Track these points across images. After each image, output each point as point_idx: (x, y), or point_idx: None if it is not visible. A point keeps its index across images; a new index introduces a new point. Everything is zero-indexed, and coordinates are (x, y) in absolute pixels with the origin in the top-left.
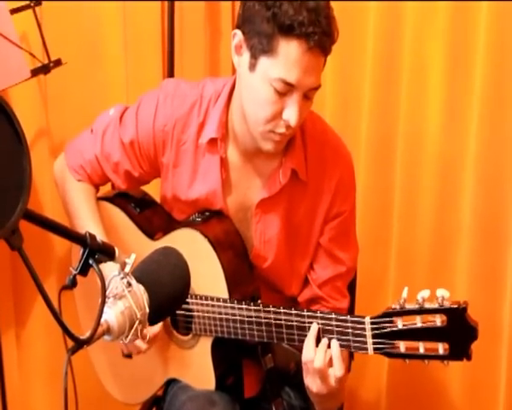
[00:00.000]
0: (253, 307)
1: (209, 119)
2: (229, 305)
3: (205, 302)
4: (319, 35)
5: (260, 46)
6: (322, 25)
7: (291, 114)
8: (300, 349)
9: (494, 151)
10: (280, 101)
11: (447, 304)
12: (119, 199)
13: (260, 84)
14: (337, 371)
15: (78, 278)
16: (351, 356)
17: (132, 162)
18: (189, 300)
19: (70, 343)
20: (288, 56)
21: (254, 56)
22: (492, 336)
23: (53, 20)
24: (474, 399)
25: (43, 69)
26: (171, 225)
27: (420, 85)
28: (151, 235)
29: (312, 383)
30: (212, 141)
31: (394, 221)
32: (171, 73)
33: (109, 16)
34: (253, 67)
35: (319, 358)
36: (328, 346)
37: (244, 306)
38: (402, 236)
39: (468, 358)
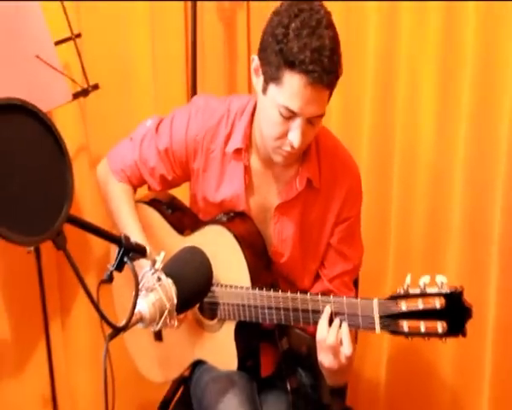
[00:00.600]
0: (272, 294)
1: (235, 130)
2: (251, 292)
3: (230, 290)
4: (319, 72)
5: (270, 74)
6: (324, 63)
7: (294, 137)
8: (312, 334)
9: (480, 160)
10: (285, 123)
11: (446, 288)
12: (154, 202)
13: (270, 106)
14: (346, 349)
15: (115, 273)
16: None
17: (167, 167)
18: (214, 288)
19: (108, 330)
20: (292, 87)
21: (266, 81)
22: (480, 318)
23: (91, 50)
24: (462, 374)
25: (83, 93)
26: (198, 223)
27: (414, 102)
28: (181, 231)
29: (325, 359)
30: (238, 150)
31: (392, 224)
32: (194, 91)
33: (139, 45)
34: (264, 90)
35: (331, 336)
36: (340, 326)
37: (265, 292)
38: (399, 237)
39: (464, 335)
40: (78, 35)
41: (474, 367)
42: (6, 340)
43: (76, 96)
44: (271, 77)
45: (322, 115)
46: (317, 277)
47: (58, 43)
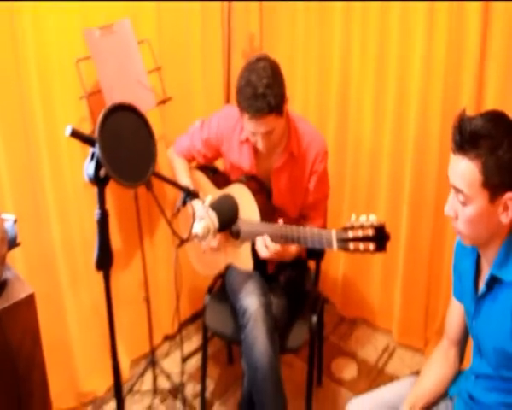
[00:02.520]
0: (273, 225)
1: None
2: (260, 224)
3: (248, 223)
4: (254, 111)
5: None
6: (257, 105)
7: (258, 145)
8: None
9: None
10: (254, 137)
11: (375, 223)
12: (202, 168)
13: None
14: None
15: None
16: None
17: (207, 150)
18: (238, 220)
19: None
20: (245, 119)
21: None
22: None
23: (167, 75)
24: (383, 273)
25: (162, 102)
26: (228, 181)
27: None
28: (217, 186)
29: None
30: (247, 138)
31: (347, 179)
32: (227, 101)
33: (193, 71)
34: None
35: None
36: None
37: (268, 224)
38: (351, 186)
39: (385, 250)
40: (160, 67)
41: (391, 268)
42: (119, 248)
43: (159, 103)
44: (240, 113)
45: (273, 129)
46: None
47: (149, 72)
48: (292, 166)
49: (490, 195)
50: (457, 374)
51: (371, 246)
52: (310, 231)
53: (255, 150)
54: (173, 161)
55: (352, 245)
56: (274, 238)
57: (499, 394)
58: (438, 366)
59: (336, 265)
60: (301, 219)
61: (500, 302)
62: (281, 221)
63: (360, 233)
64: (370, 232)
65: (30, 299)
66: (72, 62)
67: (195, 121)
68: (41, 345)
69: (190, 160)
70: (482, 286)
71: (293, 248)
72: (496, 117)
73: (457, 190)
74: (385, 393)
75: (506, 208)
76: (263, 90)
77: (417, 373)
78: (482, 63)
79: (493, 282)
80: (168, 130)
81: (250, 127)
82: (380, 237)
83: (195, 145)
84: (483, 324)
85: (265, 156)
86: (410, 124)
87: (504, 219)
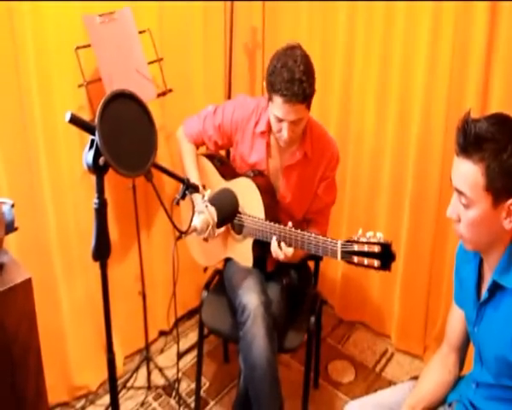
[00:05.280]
0: (276, 226)
1: (261, 119)
2: (264, 222)
3: (251, 219)
4: (290, 96)
5: (268, 95)
6: (294, 89)
7: (283, 133)
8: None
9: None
10: (279, 124)
11: (382, 241)
12: (210, 156)
13: (271, 114)
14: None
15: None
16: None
17: (218, 136)
18: (242, 216)
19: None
20: (277, 104)
21: (268, 98)
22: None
23: (168, 66)
24: (383, 286)
25: (163, 94)
26: (235, 174)
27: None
28: (224, 177)
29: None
30: (262, 132)
31: (346, 190)
32: (228, 94)
33: (195, 63)
34: (267, 103)
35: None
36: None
37: (272, 224)
38: (351, 198)
39: (389, 270)
40: (161, 59)
41: (390, 282)
42: (115, 240)
43: (159, 95)
44: (269, 97)
45: (302, 119)
46: (306, 213)
47: (149, 63)
48: (303, 168)
49: (493, 199)
50: (457, 380)
51: (376, 263)
52: (315, 239)
53: (268, 145)
54: (181, 145)
55: (356, 258)
56: (278, 239)
57: (500, 403)
58: (437, 372)
59: (335, 266)
60: (304, 223)
61: (502, 310)
62: (290, 224)
63: (366, 248)
64: (376, 249)
65: (27, 284)
66: (71, 50)
67: (208, 106)
68: (37, 331)
69: (200, 145)
70: (484, 292)
71: (301, 252)
72: (501, 120)
73: (460, 193)
74: (383, 397)
75: (509, 214)
76: (300, 76)
77: (416, 378)
78: (488, 65)
79: (495, 288)
80: (168, 122)
81: (280, 112)
82: (385, 255)
83: (207, 130)
84: (484, 331)
85: (277, 153)
86: (412, 124)
87: (507, 225)
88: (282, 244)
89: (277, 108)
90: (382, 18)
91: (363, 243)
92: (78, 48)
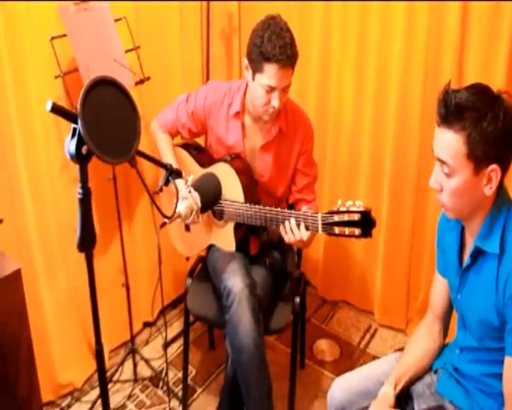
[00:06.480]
0: (257, 206)
1: (234, 101)
2: (244, 205)
3: (231, 203)
4: (285, 59)
5: (255, 68)
6: (288, 53)
7: (275, 102)
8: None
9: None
10: (268, 95)
11: (361, 208)
12: (185, 146)
13: (258, 87)
14: (304, 236)
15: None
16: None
17: (192, 123)
18: (222, 201)
19: (156, 225)
20: (270, 72)
21: (253, 73)
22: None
23: (145, 54)
24: (366, 254)
25: (140, 82)
26: (212, 160)
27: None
28: (201, 165)
29: (295, 246)
30: (236, 113)
31: (327, 161)
32: (206, 80)
33: (172, 51)
34: (253, 79)
35: (296, 234)
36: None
37: (251, 205)
38: (331, 170)
39: (371, 236)
40: (138, 47)
41: (372, 250)
42: (96, 232)
43: (137, 83)
44: (256, 69)
45: (290, 84)
46: (291, 192)
47: (126, 51)
48: (279, 144)
49: (474, 166)
50: (441, 348)
51: (357, 231)
52: (295, 214)
53: (243, 126)
54: (156, 136)
55: (337, 229)
56: (258, 220)
57: (483, 365)
58: (422, 341)
59: (317, 247)
60: (296, 204)
61: (484, 274)
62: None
63: (346, 217)
64: (356, 217)
65: (16, 275)
66: (46, 40)
67: (181, 95)
68: (28, 322)
69: (174, 134)
70: (467, 259)
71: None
72: (480, 90)
73: (442, 162)
74: (370, 369)
75: (490, 180)
76: (290, 41)
77: (402, 350)
78: (462, 41)
79: (477, 254)
80: (146, 110)
81: (274, 80)
82: (365, 223)
83: (180, 118)
84: (468, 296)
85: (253, 133)
86: (390, 104)
87: (488, 192)
88: (302, 230)
89: (270, 76)
90: (358, 7)
91: (343, 212)
92: (53, 38)
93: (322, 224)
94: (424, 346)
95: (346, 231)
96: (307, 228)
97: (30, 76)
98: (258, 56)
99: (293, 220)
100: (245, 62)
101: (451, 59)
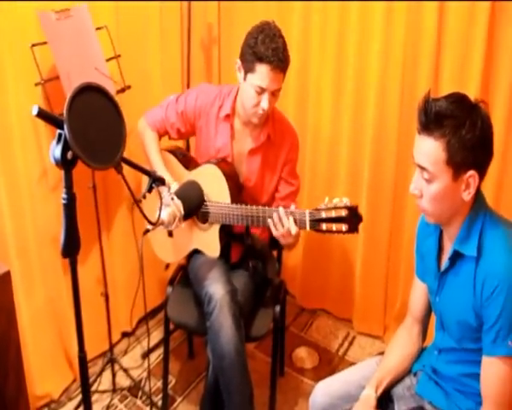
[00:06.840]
0: (243, 206)
1: (224, 104)
2: (230, 206)
3: (216, 205)
4: (277, 62)
5: (247, 68)
6: (280, 57)
7: (264, 104)
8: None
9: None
10: (258, 97)
11: (348, 204)
12: (172, 151)
13: (248, 88)
14: (293, 230)
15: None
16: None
17: (181, 123)
18: (207, 203)
19: (137, 234)
20: (261, 73)
21: (245, 73)
22: None
23: (126, 63)
24: (346, 251)
25: (122, 90)
26: (198, 164)
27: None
28: (187, 168)
29: (283, 240)
30: (226, 116)
31: (306, 164)
32: (188, 87)
33: (152, 60)
34: (244, 79)
35: (285, 223)
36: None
37: (238, 205)
38: (310, 172)
39: (357, 232)
40: (119, 55)
41: (350, 259)
42: None
43: (118, 92)
44: (248, 69)
45: (279, 89)
46: (274, 198)
47: (107, 60)
48: (266, 151)
49: (453, 172)
50: (420, 351)
51: (344, 227)
52: (283, 212)
53: (232, 128)
54: (144, 134)
55: (324, 225)
56: (245, 220)
57: (461, 365)
58: (402, 344)
59: (296, 256)
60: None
61: (462, 276)
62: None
63: (333, 213)
64: (343, 213)
65: (5, 277)
66: (26, 47)
67: (170, 96)
68: (16, 324)
69: (162, 134)
70: (445, 262)
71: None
72: (458, 99)
73: (422, 169)
74: (350, 373)
75: (468, 186)
76: (283, 46)
77: (382, 354)
78: (438, 48)
79: (456, 257)
80: (127, 119)
81: (265, 81)
82: (352, 219)
83: (169, 118)
84: (446, 298)
85: (241, 136)
86: (368, 113)
87: (466, 197)
88: (290, 224)
89: (261, 77)
90: (337, 11)
91: (331, 208)
92: (33, 45)
93: (310, 220)
94: (404, 349)
95: (334, 227)
96: (295, 223)
97: (9, 83)
98: (250, 56)
99: (281, 209)
100: (238, 63)
101: (429, 58)
